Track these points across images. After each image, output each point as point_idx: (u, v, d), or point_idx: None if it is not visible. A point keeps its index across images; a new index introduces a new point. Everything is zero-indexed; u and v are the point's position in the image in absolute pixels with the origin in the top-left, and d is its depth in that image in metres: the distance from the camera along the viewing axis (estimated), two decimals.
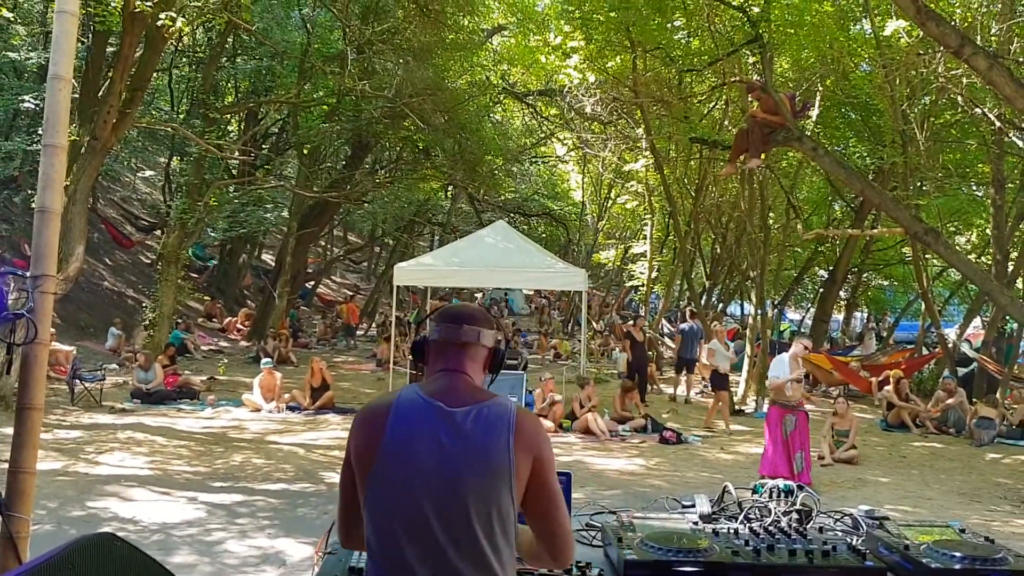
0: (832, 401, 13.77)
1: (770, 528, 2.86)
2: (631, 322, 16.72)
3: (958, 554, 2.52)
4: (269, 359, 13.94)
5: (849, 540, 2.81)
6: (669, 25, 14.89)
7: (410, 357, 12.35)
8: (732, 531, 2.85)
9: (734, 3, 12.53)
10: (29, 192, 17.84)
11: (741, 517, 3.00)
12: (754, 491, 3.22)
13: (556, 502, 2.04)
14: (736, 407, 14.80)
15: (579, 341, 19.60)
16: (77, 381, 12.83)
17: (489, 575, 1.92)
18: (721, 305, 26.87)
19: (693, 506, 3.23)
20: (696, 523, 3.02)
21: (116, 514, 6.94)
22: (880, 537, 2.74)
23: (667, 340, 23.06)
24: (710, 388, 14.39)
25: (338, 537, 2.19)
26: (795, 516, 2.98)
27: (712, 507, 3.18)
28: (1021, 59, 11.63)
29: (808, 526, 2.93)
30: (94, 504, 7.20)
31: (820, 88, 15.04)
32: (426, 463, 1.93)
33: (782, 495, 3.12)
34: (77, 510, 6.98)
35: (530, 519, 2.05)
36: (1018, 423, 13.14)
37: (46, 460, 8.33)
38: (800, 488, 3.14)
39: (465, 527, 1.92)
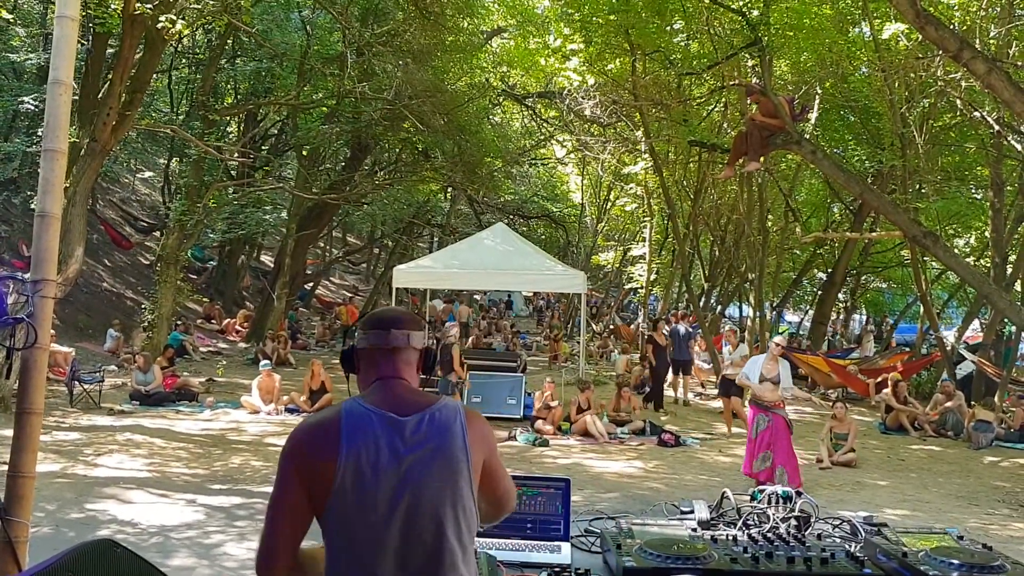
0: (830, 404, 13.77)
1: (768, 535, 2.86)
2: (654, 326, 16.18)
3: (956, 562, 2.52)
4: (268, 361, 13.93)
5: (847, 547, 2.81)
6: (668, 28, 14.87)
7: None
8: (731, 538, 2.86)
9: (733, 6, 12.55)
10: (29, 193, 17.84)
11: (740, 524, 3.01)
12: (752, 497, 3.23)
13: (504, 478, 2.19)
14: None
15: (578, 343, 19.61)
16: (76, 383, 12.81)
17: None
18: (720, 307, 26.88)
19: (692, 512, 3.23)
20: (695, 529, 3.02)
21: (115, 516, 6.94)
22: (878, 544, 2.74)
23: None
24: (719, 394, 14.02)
25: (263, 566, 1.97)
26: (793, 523, 2.98)
27: (711, 513, 3.18)
28: (1020, 63, 11.64)
29: (807, 532, 2.94)
30: (93, 506, 7.20)
31: (819, 91, 15.06)
32: (388, 475, 1.93)
33: (781, 501, 3.12)
34: (75, 512, 6.98)
35: (479, 494, 2.11)
36: (1017, 426, 13.16)
37: (44, 462, 8.33)
38: (799, 494, 3.14)
39: (435, 532, 1.95)
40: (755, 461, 8.61)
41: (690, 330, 16.15)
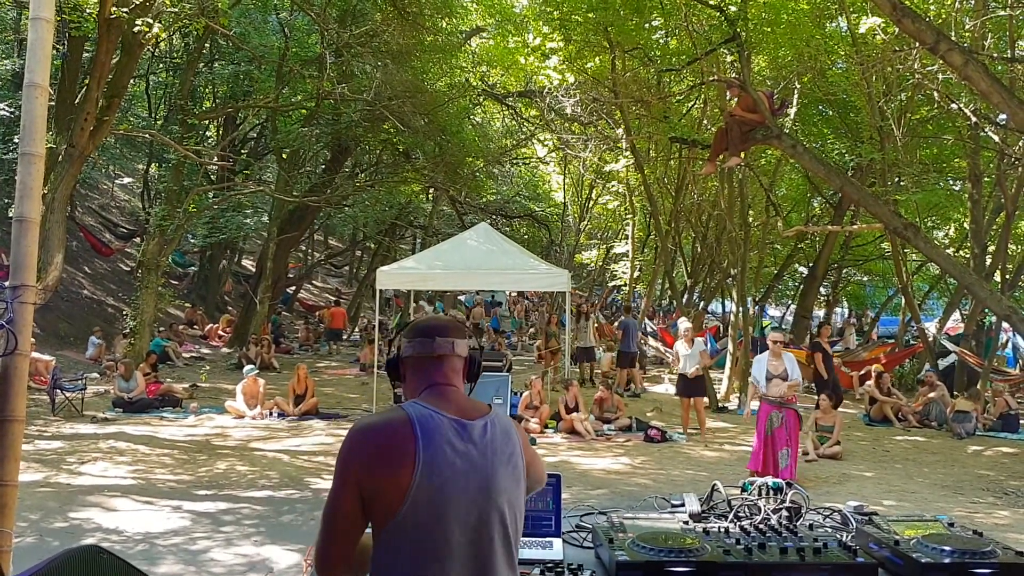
0: (815, 397, 13.85)
1: (760, 526, 2.86)
2: (819, 330, 14.57)
3: (948, 548, 2.53)
4: (253, 366, 13.84)
5: (839, 536, 2.81)
6: (647, 25, 14.91)
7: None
8: (723, 530, 2.85)
9: (711, 2, 12.59)
10: (5, 201, 17.63)
11: (731, 516, 3.00)
12: (743, 489, 3.22)
13: (539, 460, 2.27)
14: (720, 404, 14.86)
15: (563, 342, 19.59)
16: (58, 391, 12.69)
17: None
18: (702, 303, 26.97)
19: (682, 505, 3.22)
20: (686, 522, 3.01)
21: (99, 525, 6.87)
22: (870, 533, 2.75)
23: (651, 339, 23.12)
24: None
25: (325, 568, 1.95)
26: (784, 513, 2.98)
27: (701, 506, 3.17)
28: (995, 55, 11.74)
29: (798, 523, 2.94)
30: (76, 515, 7.13)
31: (797, 86, 15.11)
32: (466, 478, 1.94)
33: (771, 493, 3.12)
34: (59, 522, 6.90)
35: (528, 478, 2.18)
36: (998, 416, 13.28)
37: (27, 471, 8.23)
38: (789, 485, 3.14)
39: (503, 537, 1.99)
40: (779, 456, 8.60)
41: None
